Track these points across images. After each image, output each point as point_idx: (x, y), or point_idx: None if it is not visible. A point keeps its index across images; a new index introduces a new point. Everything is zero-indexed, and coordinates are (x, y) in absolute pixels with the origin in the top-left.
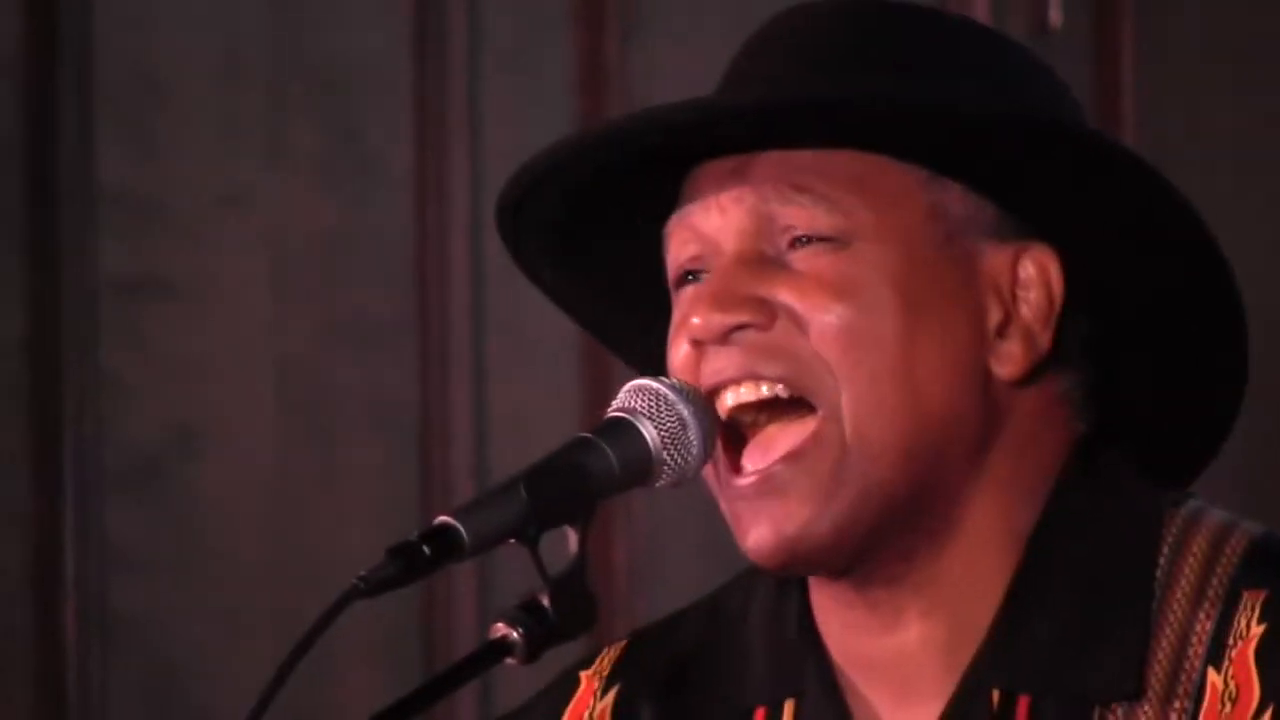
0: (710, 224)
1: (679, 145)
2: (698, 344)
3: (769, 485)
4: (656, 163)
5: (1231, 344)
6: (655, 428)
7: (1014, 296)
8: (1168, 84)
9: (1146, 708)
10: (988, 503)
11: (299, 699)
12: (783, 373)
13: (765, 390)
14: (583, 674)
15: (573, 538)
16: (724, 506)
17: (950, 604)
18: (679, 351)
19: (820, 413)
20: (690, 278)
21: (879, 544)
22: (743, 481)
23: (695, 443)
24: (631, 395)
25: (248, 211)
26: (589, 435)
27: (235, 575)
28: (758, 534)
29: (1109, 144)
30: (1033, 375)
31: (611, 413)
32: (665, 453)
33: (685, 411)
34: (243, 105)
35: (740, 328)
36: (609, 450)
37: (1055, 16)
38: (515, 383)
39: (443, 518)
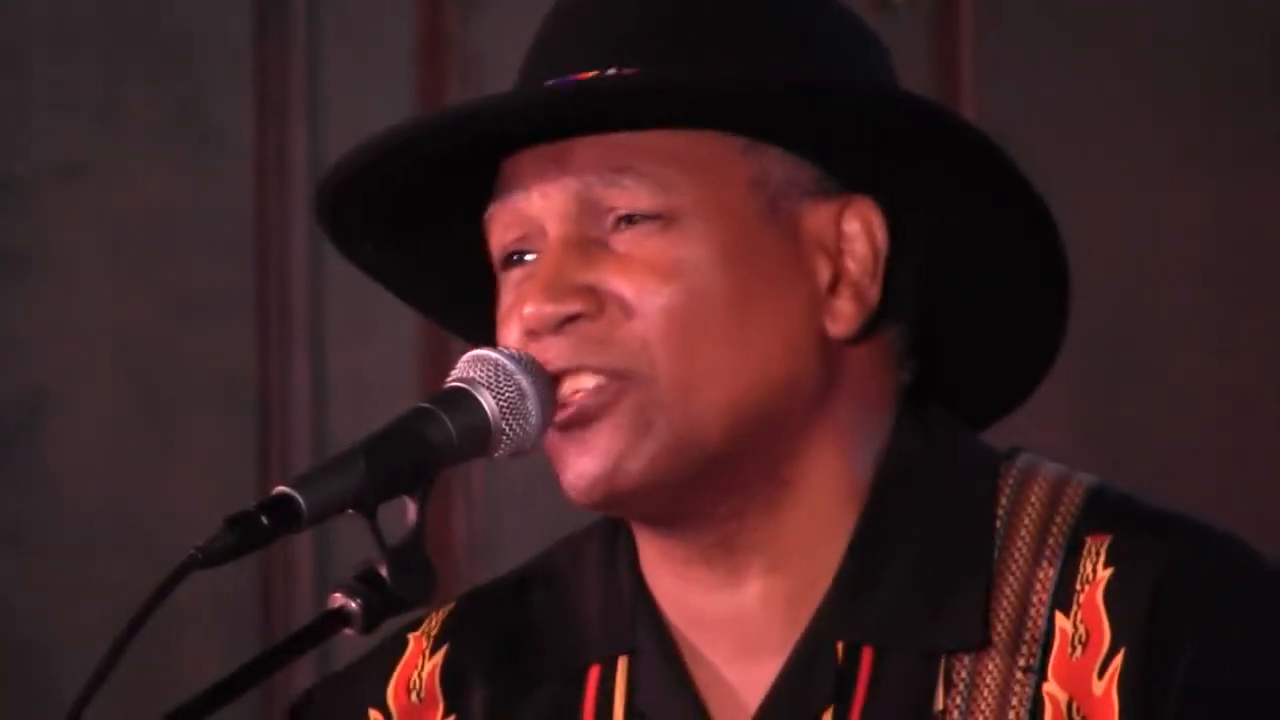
0: (533, 207)
1: (494, 136)
2: (531, 333)
3: (581, 416)
4: (473, 151)
5: (1052, 290)
6: (494, 397)
7: (840, 252)
8: (1006, 59)
9: (993, 655)
10: (826, 459)
11: (138, 669)
12: (608, 362)
13: (592, 381)
14: (411, 635)
15: (411, 508)
16: (549, 450)
17: (791, 560)
18: (510, 336)
19: (629, 376)
20: (516, 258)
21: (703, 498)
22: (558, 418)
23: (534, 412)
24: (470, 365)
25: (86, 182)
26: (428, 405)
27: (78, 547)
28: (574, 469)
29: (913, 101)
30: (865, 330)
31: (450, 382)
32: (504, 422)
33: (524, 381)
34: (80, 75)
35: (571, 318)
36: (448, 420)
37: None
38: (354, 353)
39: (280, 488)
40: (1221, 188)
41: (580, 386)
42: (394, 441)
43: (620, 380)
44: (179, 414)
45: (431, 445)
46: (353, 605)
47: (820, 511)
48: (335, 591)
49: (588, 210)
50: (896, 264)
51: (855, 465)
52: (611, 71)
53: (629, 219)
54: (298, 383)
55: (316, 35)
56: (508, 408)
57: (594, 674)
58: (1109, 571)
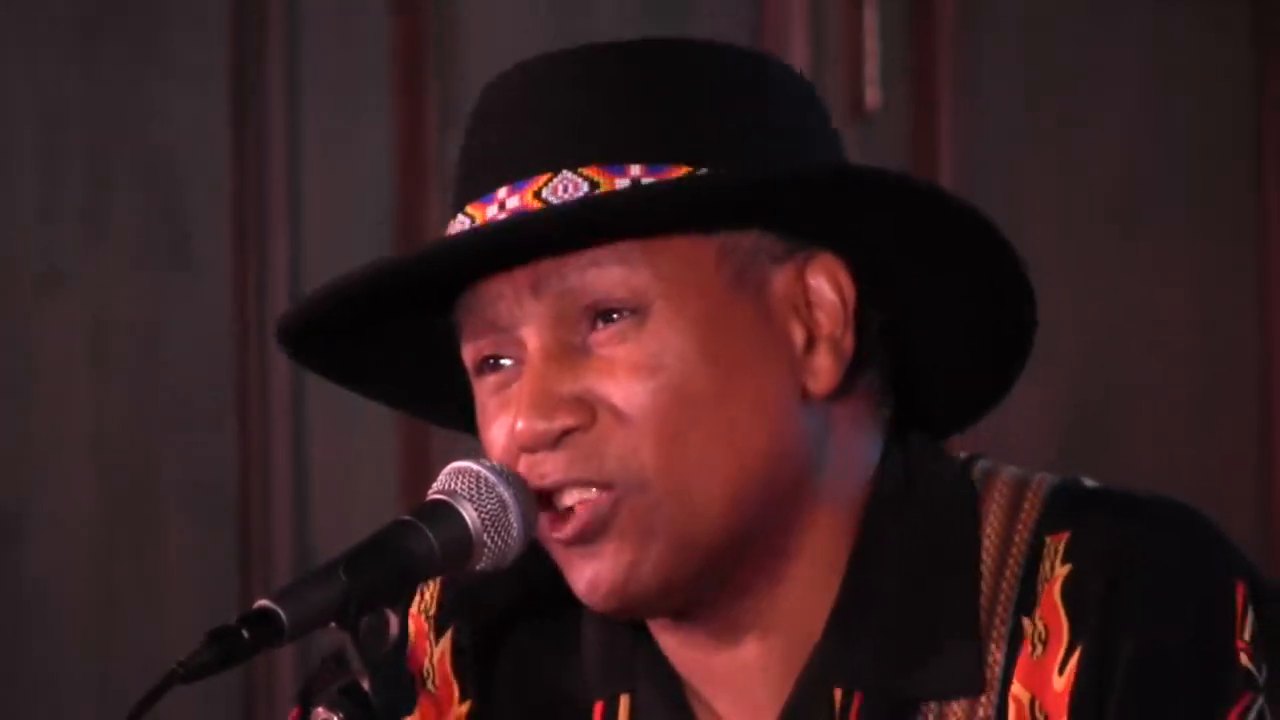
0: (506, 316)
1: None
2: (524, 448)
3: (583, 535)
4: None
5: (1017, 312)
6: (475, 510)
7: (810, 308)
8: (983, 163)
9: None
10: (821, 521)
11: None
12: (602, 474)
13: (591, 493)
14: (410, 611)
15: (393, 621)
16: (553, 554)
17: (786, 622)
18: (497, 442)
19: (622, 485)
20: (491, 363)
21: (713, 586)
22: (561, 535)
23: (515, 525)
24: (452, 477)
25: (67, 291)
26: (409, 518)
27: (58, 655)
28: (587, 578)
29: (871, 175)
30: (845, 382)
31: (432, 495)
32: (485, 534)
33: (505, 494)
34: (62, 186)
35: (566, 432)
36: (429, 532)
37: (873, 97)
38: (335, 463)
39: (262, 602)
40: (1202, 301)
41: (579, 500)
42: (376, 554)
43: (614, 490)
44: (160, 525)
45: (413, 558)
46: (335, 719)
47: (815, 572)
48: (318, 705)
49: (564, 313)
50: (864, 311)
51: (844, 519)
52: (566, 174)
53: (605, 316)
54: (279, 494)
55: (296, 148)
56: (489, 520)
57: (597, 710)
58: (1066, 568)
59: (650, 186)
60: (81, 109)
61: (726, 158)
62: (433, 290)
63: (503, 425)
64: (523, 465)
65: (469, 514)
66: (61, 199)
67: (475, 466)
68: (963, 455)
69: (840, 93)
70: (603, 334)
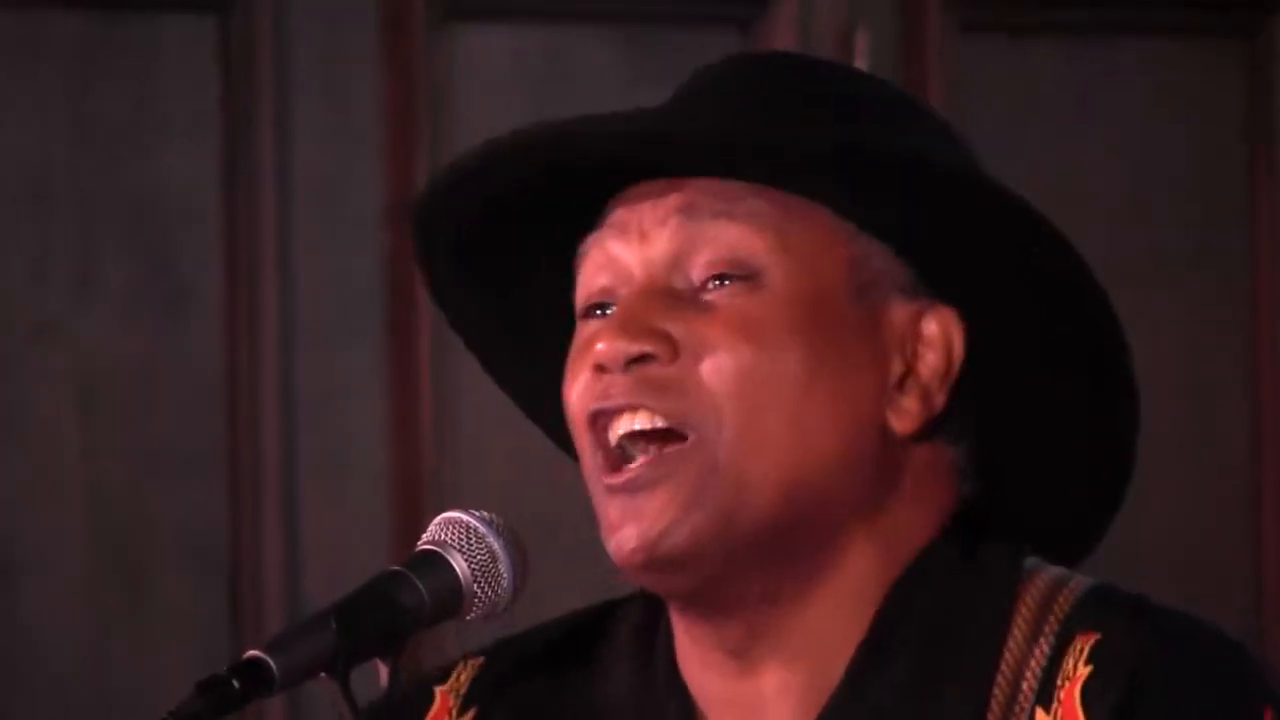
0: (626, 252)
1: (612, 162)
2: (600, 369)
3: (634, 484)
4: (578, 181)
5: (1121, 432)
6: (466, 560)
7: (915, 354)
8: None
9: None
10: (863, 555)
11: None
12: (671, 407)
13: (649, 422)
14: (438, 689)
15: (383, 671)
16: (597, 507)
17: (809, 653)
18: (578, 380)
19: (692, 438)
20: (598, 311)
21: (741, 575)
22: (612, 480)
23: (505, 575)
24: (442, 528)
25: (57, 341)
26: (399, 568)
27: (48, 703)
28: (622, 534)
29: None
30: (925, 434)
31: (422, 545)
32: (476, 585)
33: (496, 544)
34: (51, 235)
35: (643, 358)
36: (419, 583)
37: None
38: (327, 513)
39: (252, 652)
40: (1182, 341)
41: (637, 426)
42: (366, 605)
43: (680, 444)
44: (150, 574)
45: (403, 609)
46: None
47: (844, 608)
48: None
49: (682, 257)
50: (967, 378)
51: (887, 567)
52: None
53: (720, 279)
54: (270, 542)
55: (285, 194)
56: (479, 570)
57: None
58: (1088, 669)
59: (834, 137)
60: (72, 159)
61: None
62: (578, 190)
63: (585, 360)
64: (586, 388)
65: (459, 564)
66: (53, 248)
67: (465, 517)
68: (1017, 550)
69: None
70: (714, 291)
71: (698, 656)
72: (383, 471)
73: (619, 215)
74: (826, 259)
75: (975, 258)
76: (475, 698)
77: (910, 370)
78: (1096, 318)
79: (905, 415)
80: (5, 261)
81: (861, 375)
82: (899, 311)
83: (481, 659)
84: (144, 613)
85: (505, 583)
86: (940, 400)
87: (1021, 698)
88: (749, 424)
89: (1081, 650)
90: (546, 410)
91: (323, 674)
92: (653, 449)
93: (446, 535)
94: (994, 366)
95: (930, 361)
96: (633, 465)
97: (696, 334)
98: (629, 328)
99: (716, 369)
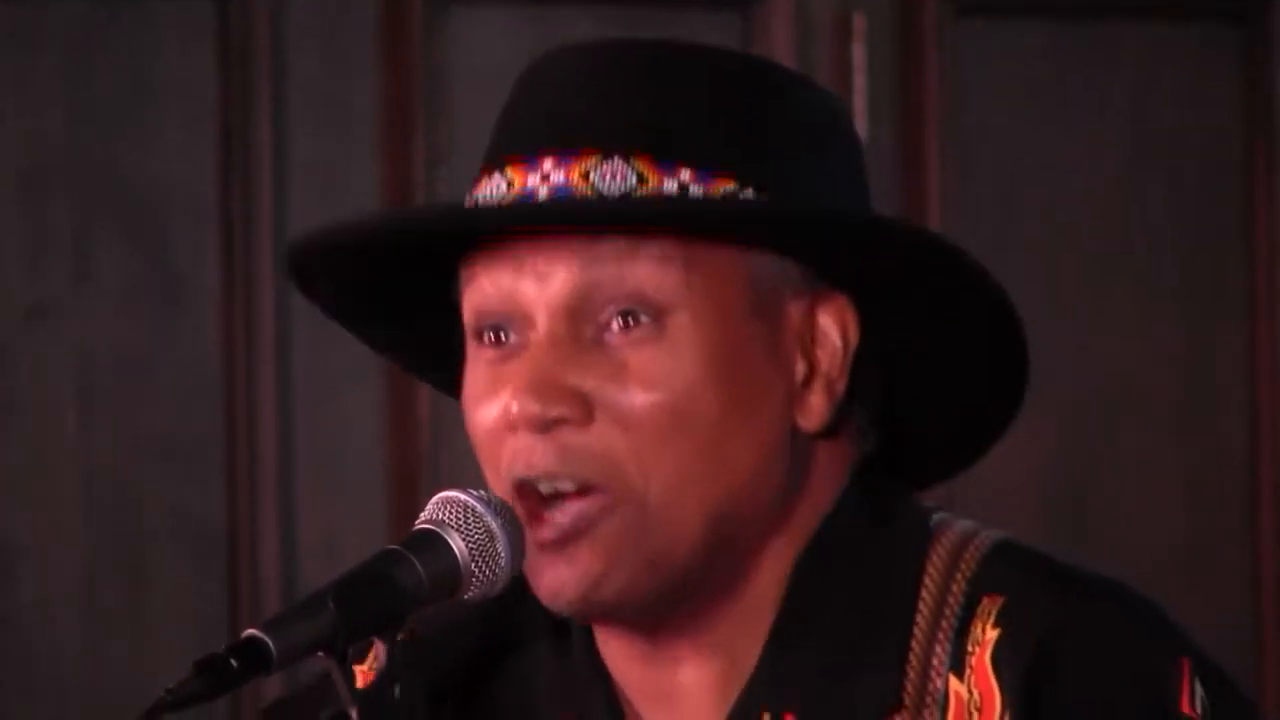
0: (524, 289)
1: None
2: (514, 429)
3: (562, 539)
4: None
5: (1012, 378)
6: (463, 540)
7: (812, 345)
8: (972, 192)
9: (903, 715)
10: (781, 549)
11: None
12: (593, 474)
13: (574, 486)
14: (357, 669)
15: (381, 650)
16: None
17: (726, 644)
18: (486, 423)
19: (616, 491)
20: (491, 337)
21: (670, 602)
22: (541, 536)
23: (503, 554)
24: (439, 507)
25: (54, 327)
26: (397, 548)
27: (46, 691)
28: (550, 581)
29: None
30: (832, 426)
31: (420, 525)
32: (474, 564)
33: (493, 524)
34: (48, 221)
35: (558, 420)
36: (417, 563)
37: (861, 127)
38: (323, 496)
39: (250, 631)
40: (1190, 325)
41: (560, 490)
42: (364, 584)
43: (603, 496)
44: (147, 559)
45: (401, 588)
46: None
47: (763, 597)
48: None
49: (585, 302)
50: (864, 357)
51: (801, 548)
52: (617, 160)
53: (625, 318)
54: (267, 530)
55: (283, 185)
56: (477, 550)
57: None
58: (996, 633)
59: (720, 201)
60: (69, 145)
61: (776, 181)
62: (454, 242)
63: (494, 403)
64: (508, 451)
65: (457, 544)
66: (48, 235)
67: (463, 496)
68: (928, 505)
69: None
70: (620, 336)
71: (619, 649)
72: (380, 460)
73: (513, 247)
74: (730, 288)
75: (866, 260)
76: (397, 669)
77: (812, 366)
78: (983, 295)
79: (812, 414)
80: (2, 247)
81: (771, 391)
82: (794, 310)
83: (400, 637)
84: (141, 600)
85: (503, 561)
86: (841, 386)
87: (936, 661)
88: (669, 473)
89: (989, 613)
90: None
91: (320, 653)
92: (574, 500)
93: (444, 514)
94: (887, 335)
95: (829, 352)
96: (556, 515)
97: (610, 394)
98: (540, 390)
99: (631, 428)
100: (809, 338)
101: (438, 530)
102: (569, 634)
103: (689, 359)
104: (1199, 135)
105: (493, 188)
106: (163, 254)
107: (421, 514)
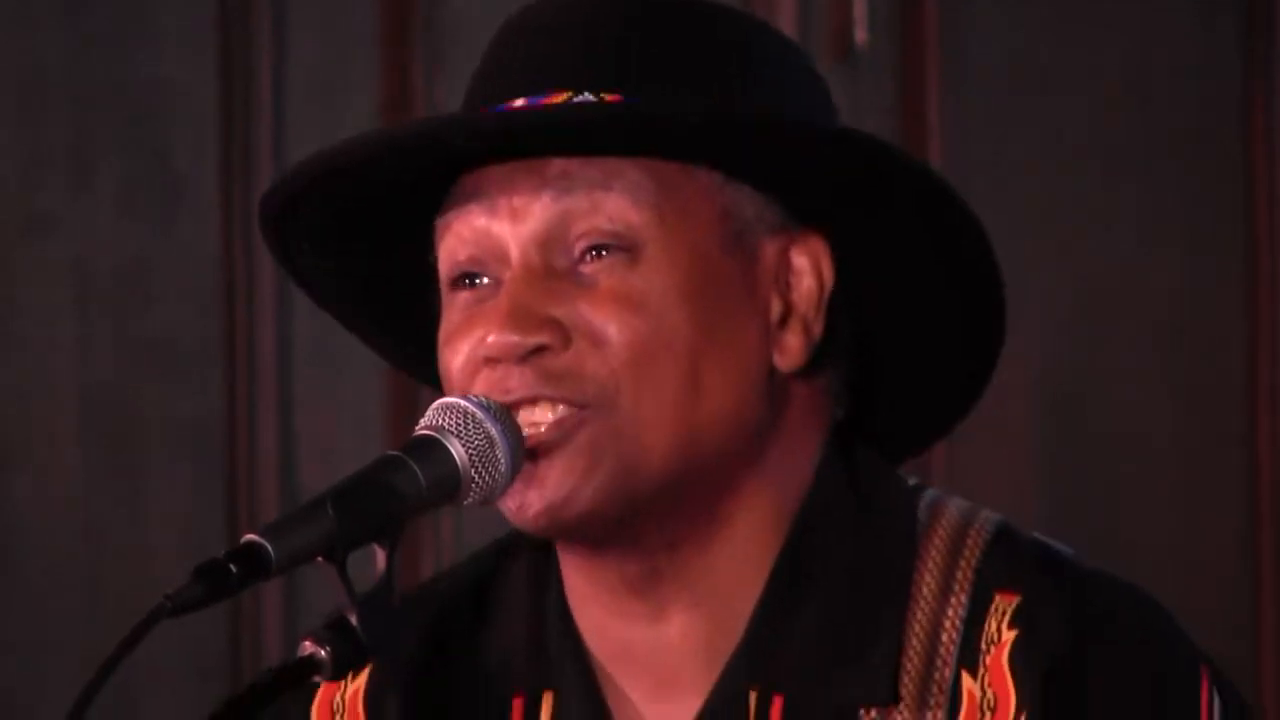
0: (498, 227)
1: (461, 153)
2: (493, 361)
3: (534, 450)
4: (434, 165)
5: (988, 336)
6: (463, 446)
7: (789, 285)
8: (971, 104)
9: (902, 710)
10: (757, 496)
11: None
12: (570, 394)
13: (549, 412)
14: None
15: (380, 556)
16: None
17: (714, 598)
18: (457, 358)
19: (591, 409)
20: (467, 280)
21: (643, 526)
22: None
23: (503, 460)
24: (439, 413)
25: (52, 236)
26: (397, 453)
27: (42, 600)
28: (522, 500)
29: (870, 139)
30: (807, 367)
31: (419, 430)
32: (473, 470)
33: (493, 430)
34: (46, 129)
35: (537, 350)
36: (417, 468)
37: (860, 35)
38: (322, 404)
39: (250, 536)
40: (1183, 245)
41: (537, 419)
42: (363, 490)
43: (581, 411)
44: (146, 467)
45: (400, 494)
46: (322, 653)
47: (746, 550)
48: (305, 639)
49: (557, 235)
50: (840, 302)
51: (782, 504)
52: (586, 95)
53: (598, 250)
54: (265, 435)
55: (282, 89)
56: (477, 456)
57: (518, 705)
58: (1014, 634)
59: (682, 100)
60: (68, 54)
61: (746, 106)
62: (427, 184)
63: (468, 339)
64: (482, 380)
65: (456, 450)
66: (48, 145)
67: (463, 403)
68: (912, 481)
69: (828, 33)
70: (594, 265)
71: (598, 602)
72: (379, 364)
73: (485, 189)
74: (702, 220)
75: (837, 188)
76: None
77: (788, 306)
78: (958, 225)
79: (789, 352)
80: (0, 155)
81: (746, 324)
82: (770, 249)
83: None
84: (139, 506)
85: (503, 467)
86: (818, 328)
87: (942, 651)
88: (645, 394)
89: (1004, 613)
90: (420, 363)
91: (320, 559)
92: (550, 417)
93: (444, 420)
94: (863, 284)
95: (805, 291)
96: (531, 428)
97: (584, 316)
98: (518, 320)
99: (608, 348)
100: (785, 277)
101: (438, 436)
102: (543, 610)
103: (661, 286)
104: (1200, 49)
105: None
106: (162, 162)
107: (421, 420)
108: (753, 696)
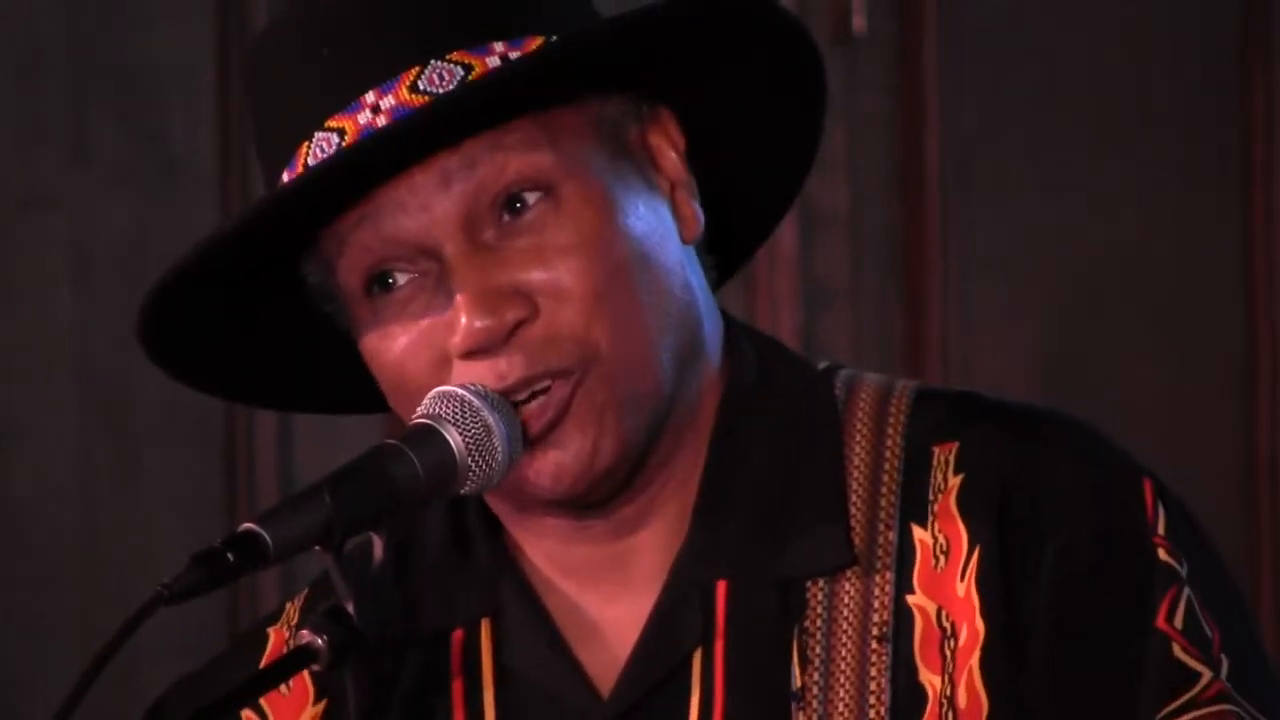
0: (407, 226)
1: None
2: (476, 353)
3: (551, 423)
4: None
5: (811, 116)
6: (460, 434)
7: (659, 163)
8: (970, 88)
9: (849, 576)
10: (708, 383)
11: (104, 702)
12: (559, 360)
13: (549, 380)
14: (271, 629)
15: (377, 544)
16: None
17: (673, 501)
18: (419, 361)
19: (579, 370)
20: (388, 281)
21: (653, 453)
22: (528, 434)
23: (500, 449)
24: (436, 402)
25: (49, 212)
26: (394, 442)
27: (40, 578)
28: (550, 472)
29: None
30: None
31: (416, 419)
32: (470, 459)
33: (490, 418)
34: (44, 106)
35: (516, 323)
36: (414, 457)
37: (859, 22)
38: None
39: (247, 525)
40: (1178, 214)
41: (535, 389)
42: (360, 478)
43: (572, 376)
44: (143, 446)
45: (397, 482)
46: (319, 641)
47: (696, 446)
48: (302, 628)
49: (475, 211)
50: (692, 154)
51: (711, 387)
52: (435, 63)
53: (513, 205)
54: (264, 415)
55: None
56: (473, 444)
57: (457, 638)
58: (959, 478)
59: (542, 53)
60: (65, 28)
61: (569, 26)
62: (299, 231)
63: (420, 338)
64: (472, 372)
65: (454, 438)
66: (45, 119)
67: (460, 391)
68: (822, 365)
69: (826, 18)
70: (518, 223)
71: (559, 533)
72: None
73: (382, 196)
74: (588, 139)
75: (672, 55)
76: (305, 623)
77: (670, 181)
78: (778, 28)
79: (689, 220)
80: None
81: (660, 215)
82: (635, 138)
83: (306, 590)
84: (137, 484)
85: (500, 456)
86: (694, 185)
87: (883, 515)
88: (618, 329)
89: (947, 462)
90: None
91: (317, 547)
92: (551, 389)
93: (441, 409)
94: (704, 117)
95: (672, 160)
96: (537, 409)
97: (539, 277)
98: (486, 303)
99: (573, 299)
100: (653, 157)
101: (434, 425)
102: (467, 541)
103: (590, 219)
104: (1199, 26)
105: (321, 146)
106: (158, 137)
107: (419, 409)
108: (698, 586)
